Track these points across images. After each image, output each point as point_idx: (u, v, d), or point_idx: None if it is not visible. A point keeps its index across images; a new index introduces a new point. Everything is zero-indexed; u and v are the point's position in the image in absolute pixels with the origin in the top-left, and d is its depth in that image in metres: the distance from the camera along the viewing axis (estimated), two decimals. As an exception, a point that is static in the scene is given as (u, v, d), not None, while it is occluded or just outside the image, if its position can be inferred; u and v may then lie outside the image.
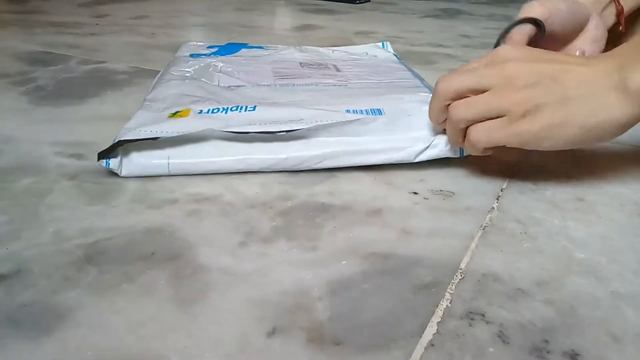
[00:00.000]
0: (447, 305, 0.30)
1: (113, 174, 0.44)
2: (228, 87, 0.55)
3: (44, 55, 0.80)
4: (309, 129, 0.43)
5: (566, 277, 0.33)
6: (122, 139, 0.42)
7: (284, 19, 1.21)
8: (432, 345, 0.27)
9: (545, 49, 0.41)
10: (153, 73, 0.72)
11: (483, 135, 0.38)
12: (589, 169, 0.47)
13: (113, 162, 0.42)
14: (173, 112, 0.46)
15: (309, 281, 0.32)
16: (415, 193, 0.42)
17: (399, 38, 0.96)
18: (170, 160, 0.43)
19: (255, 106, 0.46)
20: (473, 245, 0.36)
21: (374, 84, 0.58)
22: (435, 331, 0.28)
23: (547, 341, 0.28)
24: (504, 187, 0.44)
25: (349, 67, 0.65)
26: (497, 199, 0.42)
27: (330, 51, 0.74)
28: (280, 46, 0.75)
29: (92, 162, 0.46)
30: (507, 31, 0.43)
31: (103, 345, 0.27)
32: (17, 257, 0.33)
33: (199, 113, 0.45)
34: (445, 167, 0.46)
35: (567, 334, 0.28)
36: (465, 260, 0.34)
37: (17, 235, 0.35)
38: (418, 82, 0.59)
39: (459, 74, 0.39)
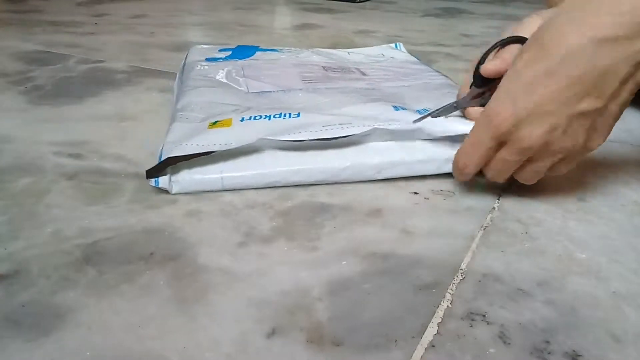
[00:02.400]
0: (447, 306, 0.30)
1: (112, 173, 0.44)
2: (259, 92, 0.54)
3: (43, 54, 0.80)
4: (366, 133, 0.42)
5: (567, 277, 0.33)
6: (170, 155, 0.39)
7: (284, 18, 1.21)
8: (433, 345, 0.27)
9: None
10: (153, 72, 0.72)
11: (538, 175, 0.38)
12: (590, 168, 0.47)
13: (162, 181, 0.40)
14: (213, 121, 0.44)
15: (308, 281, 0.32)
16: (415, 193, 0.42)
17: (399, 37, 0.96)
18: (223, 175, 0.41)
19: (299, 113, 0.45)
20: (474, 246, 0.36)
21: (405, 86, 0.57)
22: (436, 332, 0.28)
23: (548, 341, 0.28)
24: (504, 186, 0.43)
25: (373, 70, 0.64)
26: (498, 199, 0.42)
27: (347, 53, 0.73)
28: (293, 49, 0.74)
29: (91, 161, 0.46)
30: (496, 46, 0.42)
31: (102, 346, 0.27)
32: (16, 257, 0.33)
33: (241, 121, 0.44)
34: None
35: (567, 334, 0.28)
36: (466, 260, 0.34)
37: (16, 235, 0.35)
38: (447, 80, 0.59)
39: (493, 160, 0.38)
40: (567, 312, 0.30)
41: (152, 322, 0.28)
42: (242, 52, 0.69)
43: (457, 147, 0.40)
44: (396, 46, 0.78)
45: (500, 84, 0.36)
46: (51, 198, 0.40)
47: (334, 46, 0.83)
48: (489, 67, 0.41)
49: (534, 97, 0.34)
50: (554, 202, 0.41)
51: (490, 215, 0.39)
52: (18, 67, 0.73)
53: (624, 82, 0.33)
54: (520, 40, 0.40)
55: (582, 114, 0.34)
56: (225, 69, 0.60)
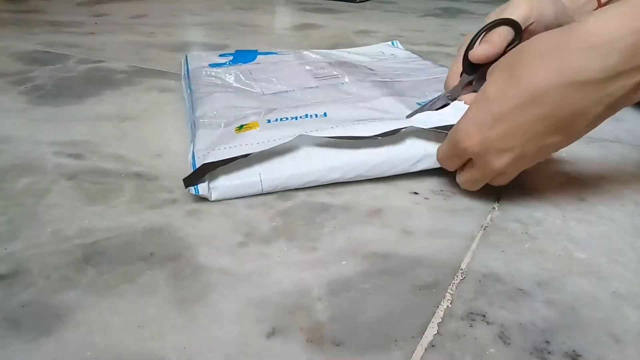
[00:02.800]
0: (447, 306, 0.30)
1: (112, 173, 0.44)
2: (275, 93, 0.53)
3: (43, 54, 0.80)
4: (407, 130, 0.41)
5: (567, 277, 0.33)
6: (206, 162, 0.39)
7: (284, 18, 1.21)
8: (433, 346, 0.27)
9: None
10: (152, 72, 0.71)
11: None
12: (590, 168, 0.47)
13: (202, 188, 0.39)
14: (238, 126, 0.44)
15: (308, 281, 0.32)
16: (415, 193, 0.42)
17: (399, 37, 0.96)
18: (262, 177, 0.40)
19: (325, 112, 0.45)
20: (474, 246, 0.36)
21: (419, 80, 0.57)
22: (436, 332, 0.28)
23: (548, 342, 0.28)
24: (505, 187, 0.43)
25: (379, 66, 0.64)
26: (498, 199, 0.41)
27: (346, 52, 0.73)
28: (292, 51, 0.74)
29: (91, 161, 0.46)
30: (485, 30, 0.41)
31: (102, 346, 0.27)
32: (16, 257, 0.33)
33: (268, 123, 0.43)
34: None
35: (568, 334, 0.28)
36: (466, 260, 0.34)
37: (16, 235, 0.35)
38: None
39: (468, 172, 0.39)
40: (567, 312, 0.30)
41: (152, 322, 0.28)
42: (243, 56, 0.69)
43: None
44: (393, 44, 0.78)
45: (470, 106, 0.37)
46: (51, 198, 0.40)
47: (334, 46, 0.83)
48: (478, 53, 0.40)
49: (501, 130, 0.34)
50: (554, 202, 0.41)
51: (490, 215, 0.39)
52: (18, 67, 0.73)
53: (593, 121, 0.33)
54: (508, 22, 0.40)
55: (549, 146, 0.35)
56: (233, 73, 0.60)
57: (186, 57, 0.69)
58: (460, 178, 0.40)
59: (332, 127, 0.41)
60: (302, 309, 0.30)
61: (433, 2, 1.40)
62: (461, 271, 0.33)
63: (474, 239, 0.36)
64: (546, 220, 0.39)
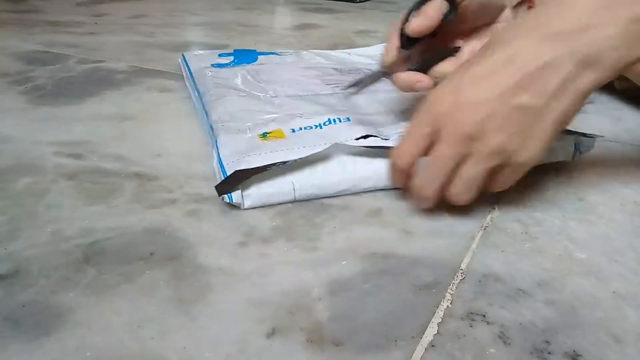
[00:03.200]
0: (447, 306, 0.30)
1: (112, 173, 0.44)
2: (288, 97, 0.53)
3: (43, 54, 0.80)
4: None
5: (567, 277, 0.33)
6: (239, 169, 0.38)
7: (284, 18, 1.21)
8: (433, 346, 0.27)
9: (452, 31, 0.41)
10: (152, 72, 0.71)
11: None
12: (590, 168, 0.47)
13: (236, 196, 0.38)
14: (261, 133, 0.44)
15: (308, 281, 0.32)
16: (415, 193, 0.42)
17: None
18: (295, 186, 0.40)
19: (348, 117, 0.45)
20: (474, 246, 0.36)
21: None
22: (436, 332, 0.28)
23: (548, 342, 0.28)
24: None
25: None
26: (498, 199, 0.41)
27: (347, 54, 0.73)
28: (292, 51, 0.74)
29: (91, 161, 0.46)
30: (419, 2, 0.40)
31: (102, 346, 0.27)
32: (16, 257, 0.33)
33: (293, 132, 0.44)
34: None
35: (568, 334, 0.28)
36: (466, 260, 0.34)
37: (16, 235, 0.35)
38: None
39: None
40: (567, 312, 0.30)
41: (152, 322, 0.28)
42: (244, 56, 0.69)
43: None
44: None
45: (448, 76, 0.36)
46: (51, 198, 0.40)
47: (334, 46, 0.83)
48: (414, 26, 0.40)
49: (475, 88, 0.34)
50: (554, 202, 0.41)
51: (490, 215, 0.39)
52: (18, 67, 0.73)
53: (565, 81, 0.32)
54: None
55: (520, 108, 0.33)
56: (240, 74, 0.60)
57: (184, 57, 0.69)
58: (429, 168, 0.36)
59: (363, 137, 0.41)
60: (302, 309, 0.30)
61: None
62: (461, 271, 0.33)
63: (474, 239, 0.36)
64: (546, 220, 0.39)
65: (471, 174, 0.35)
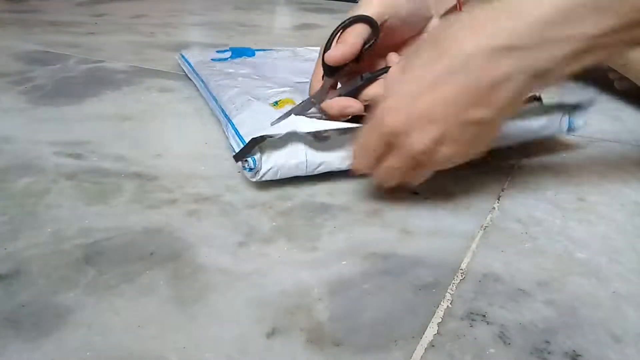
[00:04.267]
0: (447, 306, 0.30)
1: (112, 173, 0.44)
2: (296, 82, 0.53)
3: (43, 54, 0.80)
4: None
5: (567, 277, 0.33)
6: (255, 136, 0.38)
7: (284, 18, 1.21)
8: (433, 346, 0.27)
9: (380, 48, 0.40)
10: (152, 72, 0.71)
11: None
12: (590, 168, 0.47)
13: (255, 160, 0.39)
14: (273, 102, 0.44)
15: (308, 281, 0.32)
16: (415, 193, 0.42)
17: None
18: (308, 158, 0.40)
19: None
20: (474, 246, 0.36)
21: None
22: (436, 332, 0.28)
23: (548, 342, 0.28)
24: (504, 186, 0.43)
25: None
26: (498, 199, 0.41)
27: None
28: (287, 48, 0.75)
29: (91, 161, 0.46)
30: (339, 29, 0.39)
31: (102, 346, 0.27)
32: (16, 257, 0.33)
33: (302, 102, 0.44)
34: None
35: (568, 334, 0.28)
36: (466, 260, 0.34)
37: (16, 235, 0.35)
38: None
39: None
40: (567, 312, 0.30)
41: (152, 322, 0.28)
42: (241, 52, 0.69)
43: None
44: None
45: (391, 80, 0.35)
46: (51, 198, 0.40)
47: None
48: (333, 55, 0.39)
49: (426, 101, 0.33)
50: (554, 201, 0.41)
51: (490, 215, 0.39)
52: (18, 67, 0.73)
53: (517, 94, 0.32)
54: (362, 19, 0.38)
55: (472, 123, 0.33)
56: (242, 65, 0.60)
57: (182, 55, 0.69)
58: (377, 172, 0.37)
59: None
60: (302, 309, 0.30)
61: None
62: (461, 271, 0.33)
63: (474, 239, 0.36)
64: (546, 220, 0.39)
65: (420, 177, 0.37)
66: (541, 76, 0.32)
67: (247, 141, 0.40)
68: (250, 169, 0.39)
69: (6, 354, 0.26)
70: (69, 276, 0.32)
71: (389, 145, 0.35)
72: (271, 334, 0.28)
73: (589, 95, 0.48)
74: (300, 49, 0.73)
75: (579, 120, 0.48)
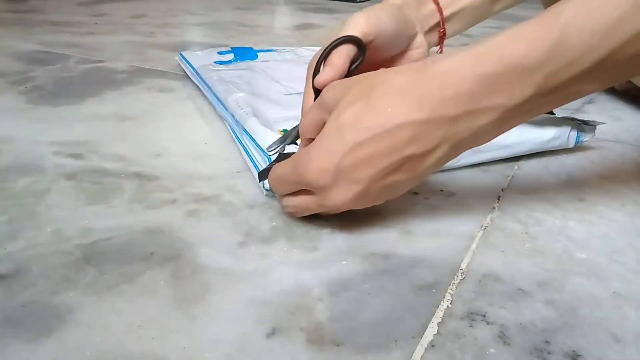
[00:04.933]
0: (447, 306, 0.30)
1: (112, 173, 0.44)
2: (300, 93, 0.53)
3: (43, 54, 0.80)
4: None
5: (567, 277, 0.33)
6: (285, 152, 0.40)
7: (284, 18, 1.21)
8: (433, 345, 0.27)
9: (367, 65, 0.40)
10: (152, 72, 0.72)
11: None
12: (590, 168, 0.47)
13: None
14: (281, 129, 0.45)
15: (308, 281, 0.32)
16: (415, 193, 0.42)
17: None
18: None
19: None
20: (474, 246, 0.36)
21: None
22: (436, 332, 0.28)
23: (548, 342, 0.28)
24: (504, 187, 0.43)
25: None
26: (498, 199, 0.42)
27: None
28: (288, 47, 0.75)
29: (91, 161, 0.46)
30: (327, 52, 0.39)
31: (102, 346, 0.27)
32: (16, 257, 0.33)
33: None
34: (445, 166, 0.46)
35: (568, 334, 0.28)
36: (466, 260, 0.34)
37: (16, 235, 0.35)
38: None
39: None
40: (567, 312, 0.30)
41: (152, 322, 0.28)
42: (243, 53, 0.69)
43: None
44: None
45: (321, 135, 0.34)
46: (51, 198, 0.40)
47: (334, 46, 0.83)
48: (321, 80, 0.39)
49: (354, 161, 0.32)
50: (554, 202, 0.41)
51: (490, 215, 0.39)
52: (18, 67, 0.73)
53: (437, 162, 0.33)
54: (349, 40, 0.39)
55: (391, 186, 0.33)
56: (246, 71, 0.60)
57: (182, 55, 0.69)
58: (287, 202, 0.37)
59: None
60: (302, 309, 0.30)
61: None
62: (461, 271, 0.33)
63: (474, 239, 0.36)
64: (546, 220, 0.39)
65: (330, 214, 0.37)
66: (464, 145, 0.32)
67: (267, 151, 0.41)
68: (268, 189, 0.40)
69: (6, 354, 0.26)
70: (69, 276, 0.32)
71: (306, 189, 0.35)
72: (271, 334, 0.28)
73: (598, 120, 0.49)
74: (301, 49, 0.73)
75: (586, 136, 0.49)
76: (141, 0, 1.31)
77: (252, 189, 0.42)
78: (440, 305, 0.30)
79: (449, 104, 0.31)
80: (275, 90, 0.55)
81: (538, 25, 0.29)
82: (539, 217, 0.39)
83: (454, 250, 0.35)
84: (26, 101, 0.60)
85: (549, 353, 0.27)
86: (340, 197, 0.34)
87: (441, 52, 0.50)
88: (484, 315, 0.29)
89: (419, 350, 0.27)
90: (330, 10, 1.25)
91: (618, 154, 0.50)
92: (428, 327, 0.28)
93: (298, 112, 0.48)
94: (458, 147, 0.32)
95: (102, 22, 1.05)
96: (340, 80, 0.37)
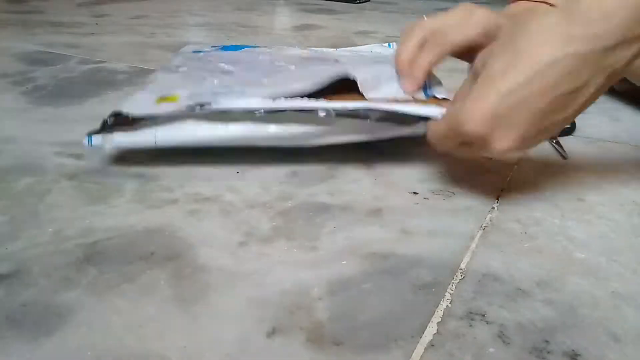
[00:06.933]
0: (447, 306, 0.30)
1: (113, 173, 0.44)
2: (223, 71, 0.54)
3: (44, 55, 0.80)
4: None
5: (566, 277, 0.33)
6: (111, 115, 0.43)
7: (284, 19, 1.21)
8: (432, 345, 0.27)
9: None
10: (153, 73, 0.72)
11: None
12: (589, 168, 0.47)
13: (95, 139, 0.43)
14: (161, 96, 0.46)
15: (308, 281, 0.32)
16: (415, 193, 0.42)
17: (398, 38, 0.96)
18: (157, 133, 0.43)
19: (243, 89, 0.45)
20: (473, 245, 0.36)
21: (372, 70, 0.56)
22: (436, 331, 0.28)
23: (547, 341, 0.28)
24: (504, 187, 0.44)
25: (348, 59, 0.63)
26: (497, 199, 0.42)
27: (334, 50, 0.74)
28: (285, 47, 0.75)
29: (92, 162, 0.46)
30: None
31: (103, 346, 0.27)
32: (16, 257, 0.33)
33: (188, 97, 0.45)
34: (445, 166, 0.46)
35: (567, 334, 0.28)
36: (466, 260, 0.34)
37: (17, 235, 0.35)
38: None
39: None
40: (566, 311, 0.30)
41: (153, 321, 0.28)
42: (231, 48, 0.70)
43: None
44: (389, 46, 0.78)
45: (473, 87, 0.36)
46: (52, 198, 0.40)
47: (334, 47, 0.83)
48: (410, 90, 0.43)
49: (507, 107, 0.34)
50: (553, 202, 0.41)
51: (489, 215, 0.39)
52: (19, 68, 0.73)
53: (593, 94, 0.34)
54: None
55: (548, 126, 0.35)
56: (202, 57, 0.60)
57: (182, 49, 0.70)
58: (453, 151, 0.40)
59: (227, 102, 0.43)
60: (302, 308, 0.30)
61: (433, 3, 1.40)
62: (461, 271, 0.33)
63: (473, 239, 0.36)
64: (545, 220, 0.39)
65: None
66: (615, 75, 0.33)
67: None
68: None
69: (7, 354, 0.26)
70: (70, 276, 0.32)
71: (466, 142, 0.37)
72: (271, 333, 0.28)
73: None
74: (294, 48, 0.73)
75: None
76: (142, 1, 1.32)
77: (252, 189, 0.42)
78: (439, 305, 0.30)
79: (599, 37, 0.32)
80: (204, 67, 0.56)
81: None
82: (538, 217, 0.39)
83: (453, 250, 0.35)
84: (27, 101, 0.60)
85: (548, 352, 0.27)
86: (501, 144, 0.35)
87: None
88: (484, 315, 0.29)
89: (419, 350, 0.27)
90: (330, 11, 1.25)
91: (617, 154, 0.51)
92: (428, 327, 0.28)
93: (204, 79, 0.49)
94: (612, 77, 0.33)
95: (103, 23, 1.05)
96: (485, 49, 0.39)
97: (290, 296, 0.31)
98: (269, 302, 0.30)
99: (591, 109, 0.65)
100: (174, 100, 0.45)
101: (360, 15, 1.22)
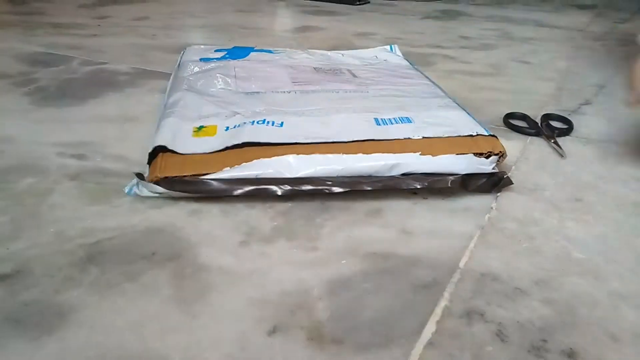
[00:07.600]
0: (446, 305, 0.30)
1: (115, 174, 0.44)
2: (247, 93, 0.55)
3: (46, 56, 0.80)
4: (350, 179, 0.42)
5: (564, 276, 0.33)
6: (164, 176, 0.40)
7: (285, 21, 1.21)
8: (432, 344, 0.28)
9: None
10: (155, 74, 0.72)
11: None
12: (587, 168, 0.47)
13: (137, 189, 0.41)
14: (197, 127, 0.46)
15: (309, 281, 0.32)
16: (415, 193, 0.42)
17: (398, 39, 0.97)
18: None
19: (282, 122, 0.46)
20: (472, 245, 0.36)
21: (394, 90, 0.57)
22: (435, 330, 0.28)
23: (545, 340, 0.28)
24: (503, 187, 0.44)
25: (364, 72, 0.64)
26: (496, 199, 0.42)
27: (340, 55, 0.74)
28: (288, 49, 0.75)
29: (94, 162, 0.46)
30: None
31: (105, 345, 0.27)
32: (18, 256, 0.34)
33: (226, 130, 0.45)
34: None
35: (565, 333, 0.29)
36: (464, 260, 0.34)
37: (19, 235, 0.36)
38: (438, 90, 0.58)
39: None
40: (564, 311, 0.30)
41: (154, 321, 0.29)
42: (237, 52, 0.70)
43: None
44: (391, 49, 0.78)
45: None
46: (54, 198, 0.40)
47: (334, 48, 0.84)
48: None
49: None
50: (552, 202, 0.42)
51: (488, 215, 0.40)
52: (21, 69, 0.73)
53: None
54: None
55: None
56: (216, 66, 0.62)
57: (185, 50, 0.71)
58: None
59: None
60: (303, 307, 0.30)
61: (432, 5, 1.41)
62: (459, 270, 0.33)
63: (472, 239, 0.37)
64: (544, 220, 0.39)
65: None
66: None
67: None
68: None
69: (9, 353, 0.26)
70: (72, 276, 0.32)
71: None
72: (272, 332, 0.28)
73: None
74: (300, 52, 0.73)
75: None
76: (144, 2, 1.32)
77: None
78: (438, 304, 0.30)
79: None
80: (229, 87, 0.57)
81: None
82: (536, 217, 0.40)
83: (452, 249, 0.35)
84: (29, 102, 0.60)
85: (546, 351, 0.27)
86: None
87: None
88: (482, 314, 0.30)
89: (418, 348, 0.27)
90: (330, 13, 1.25)
91: (615, 154, 0.51)
92: (427, 326, 0.29)
93: (234, 108, 0.50)
94: None
95: (105, 25, 1.05)
96: None
97: (291, 295, 0.31)
98: (269, 302, 0.30)
99: (589, 109, 0.65)
100: (212, 134, 0.45)
101: (360, 17, 1.22)
